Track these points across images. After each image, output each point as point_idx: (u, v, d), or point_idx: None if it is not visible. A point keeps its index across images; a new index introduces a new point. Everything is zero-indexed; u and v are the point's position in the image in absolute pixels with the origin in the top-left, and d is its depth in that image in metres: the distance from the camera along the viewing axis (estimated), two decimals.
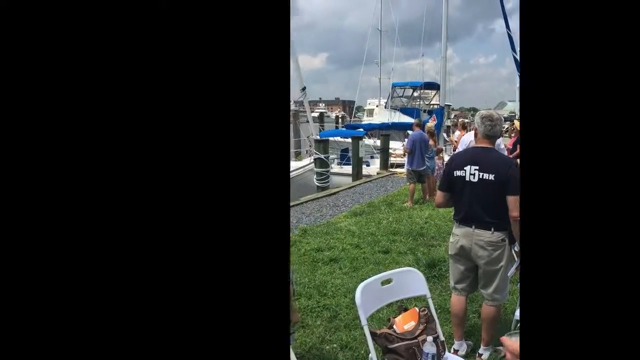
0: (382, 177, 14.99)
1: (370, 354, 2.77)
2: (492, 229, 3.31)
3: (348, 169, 16.00)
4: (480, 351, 3.58)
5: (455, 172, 3.45)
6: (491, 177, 3.27)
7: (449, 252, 3.64)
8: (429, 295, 3.12)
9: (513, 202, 3.17)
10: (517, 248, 3.43)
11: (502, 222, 3.29)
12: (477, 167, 3.32)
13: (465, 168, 3.38)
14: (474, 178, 3.34)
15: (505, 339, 1.55)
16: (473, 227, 3.37)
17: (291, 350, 2.62)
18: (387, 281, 3.04)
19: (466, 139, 6.79)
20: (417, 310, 3.02)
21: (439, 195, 3.69)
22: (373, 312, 3.03)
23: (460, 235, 3.47)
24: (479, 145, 3.48)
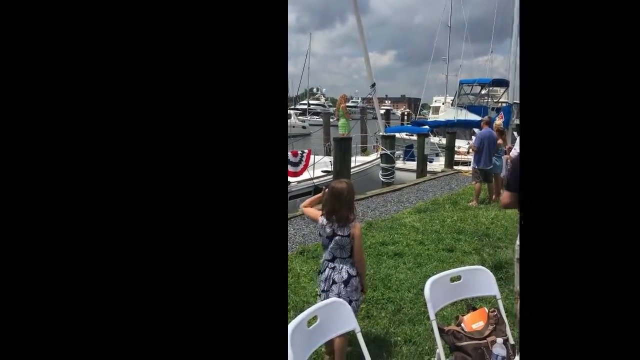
0: (447, 175, 14.79)
1: (437, 350, 2.78)
2: None
3: (412, 164, 15.89)
4: None
5: None
6: None
7: (516, 256, 3.55)
8: (499, 296, 3.06)
9: None
10: None
11: None
12: None
13: None
14: None
15: None
16: None
17: (359, 328, 2.67)
18: (457, 278, 3.03)
19: None
20: (487, 311, 2.98)
21: (507, 195, 3.56)
22: (441, 307, 3.03)
23: None
24: None
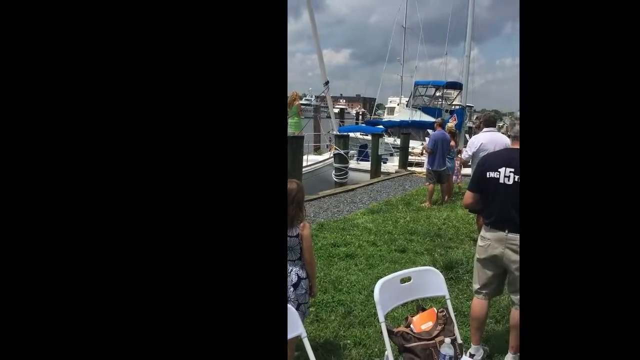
0: (401, 175, 14.90)
1: (386, 352, 2.73)
2: None
3: (365, 165, 15.94)
4: (507, 358, 3.50)
5: (488, 173, 3.36)
6: None
7: (477, 256, 3.54)
8: (448, 296, 3.07)
9: None
10: None
11: None
12: (513, 170, 3.24)
13: (499, 170, 3.30)
14: (508, 180, 3.25)
15: None
16: (506, 231, 3.26)
17: (305, 333, 2.59)
18: (407, 279, 3.00)
19: (475, 142, 6.48)
20: (436, 311, 2.97)
21: (469, 196, 3.60)
22: (391, 309, 2.98)
23: (492, 240, 3.38)
24: (514, 147, 3.40)
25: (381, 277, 3.23)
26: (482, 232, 3.47)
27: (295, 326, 2.55)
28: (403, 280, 2.98)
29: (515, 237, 3.23)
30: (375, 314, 4.19)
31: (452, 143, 10.32)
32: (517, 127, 3.39)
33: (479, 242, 3.50)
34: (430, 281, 3.10)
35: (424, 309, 3.03)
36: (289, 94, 15.41)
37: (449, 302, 3.07)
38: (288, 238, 3.14)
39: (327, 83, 14.96)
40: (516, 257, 3.24)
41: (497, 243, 3.33)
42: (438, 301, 4.07)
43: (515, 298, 3.38)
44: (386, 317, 2.77)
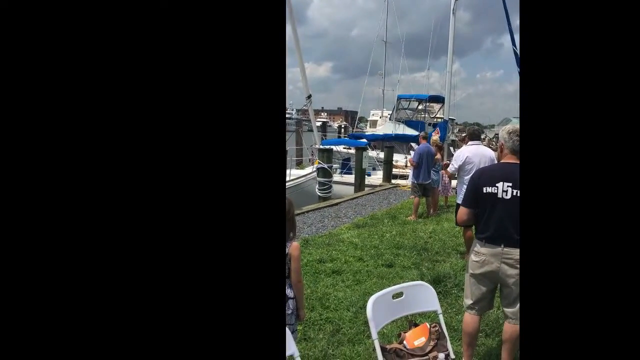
0: (385, 189, 14.88)
1: None
2: None
3: (349, 178, 15.90)
4: None
5: (485, 188, 3.31)
6: None
7: (471, 271, 3.46)
8: (440, 311, 3.03)
9: None
10: None
11: None
12: (511, 184, 3.19)
13: (497, 184, 3.24)
14: (506, 195, 3.20)
15: None
16: (502, 246, 3.21)
17: (298, 352, 2.52)
18: (399, 294, 2.95)
19: (461, 155, 6.47)
20: (428, 326, 2.92)
21: (464, 212, 3.52)
22: (383, 326, 2.91)
23: (487, 255, 3.31)
24: (509, 161, 3.35)
25: (369, 293, 3.16)
26: (477, 248, 3.40)
27: (288, 346, 2.47)
28: (395, 296, 2.93)
29: (511, 251, 3.18)
30: (365, 331, 4.15)
31: (438, 156, 10.34)
32: (516, 142, 3.33)
33: (473, 258, 3.43)
34: (422, 296, 3.06)
35: (416, 325, 2.99)
36: None
37: (441, 317, 3.03)
38: None
39: (309, 97, 14.95)
40: (512, 271, 3.19)
41: (493, 258, 3.27)
42: (428, 316, 4.02)
43: (509, 312, 3.32)
44: (377, 334, 2.70)
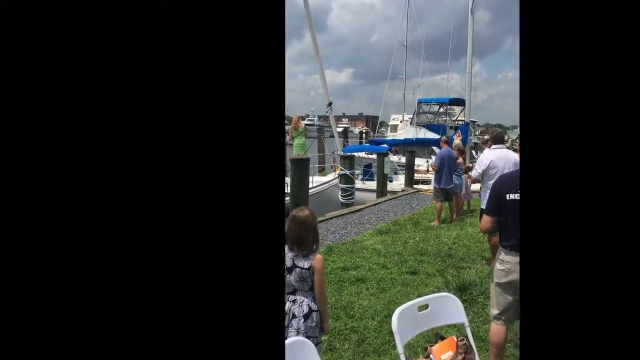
0: (407, 194, 14.79)
1: None
2: None
3: (371, 184, 15.84)
4: None
5: (508, 195, 3.27)
6: None
7: (496, 280, 3.41)
8: (467, 323, 2.96)
9: None
10: None
11: None
12: None
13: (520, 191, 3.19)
14: None
15: None
16: None
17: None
18: (424, 307, 2.90)
19: (485, 159, 6.37)
20: (455, 340, 2.87)
21: (488, 220, 3.48)
22: (409, 339, 2.87)
23: (511, 263, 3.27)
24: None
25: (394, 302, 3.11)
26: (501, 256, 3.36)
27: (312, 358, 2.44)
28: (420, 308, 2.88)
29: None
30: (390, 341, 4.10)
31: (460, 160, 10.23)
32: None
33: (498, 266, 3.38)
34: (448, 308, 3.00)
35: (443, 338, 2.94)
36: (292, 116, 15.34)
37: (468, 330, 2.96)
38: (300, 270, 3.03)
39: (330, 104, 14.93)
40: None
41: (517, 266, 3.21)
42: (455, 327, 3.96)
43: None
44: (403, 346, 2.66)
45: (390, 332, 2.67)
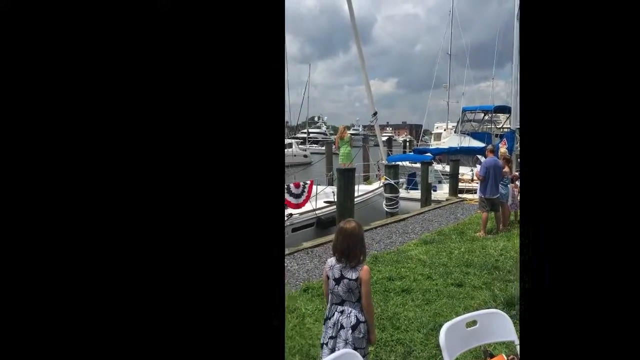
0: (452, 203, 14.63)
1: None
2: None
3: (415, 193, 15.76)
4: None
5: None
6: None
7: None
8: (517, 341, 2.91)
9: None
10: None
11: None
12: None
13: None
14: None
15: None
16: None
17: None
18: (472, 323, 2.88)
19: None
20: (505, 358, 2.84)
21: None
22: (457, 356, 2.85)
23: None
24: None
25: (439, 314, 3.06)
26: None
27: None
28: (468, 325, 2.86)
29: None
30: (437, 354, 4.08)
31: (506, 169, 10.07)
32: None
33: None
34: (498, 325, 2.97)
35: (492, 355, 2.92)
36: (339, 124, 15.40)
37: (518, 349, 2.90)
38: (348, 281, 3.07)
39: (375, 114, 14.96)
40: None
41: None
42: (504, 344, 3.90)
43: None
44: None
45: (437, 346, 2.66)
